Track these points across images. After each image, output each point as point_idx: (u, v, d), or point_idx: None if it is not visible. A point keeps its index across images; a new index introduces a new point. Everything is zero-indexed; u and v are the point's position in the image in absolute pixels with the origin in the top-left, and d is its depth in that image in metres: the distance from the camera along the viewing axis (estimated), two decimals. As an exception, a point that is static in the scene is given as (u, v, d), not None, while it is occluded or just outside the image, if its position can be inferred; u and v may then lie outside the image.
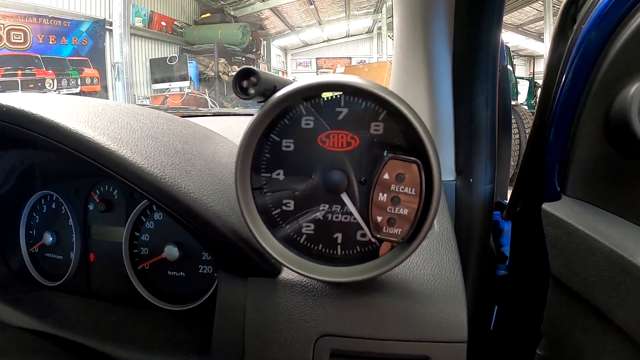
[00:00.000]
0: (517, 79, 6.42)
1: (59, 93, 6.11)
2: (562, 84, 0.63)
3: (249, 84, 0.33)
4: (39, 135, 0.41)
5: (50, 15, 6.09)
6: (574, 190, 0.53)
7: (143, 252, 0.67)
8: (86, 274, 0.72)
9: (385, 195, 0.35)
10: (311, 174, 0.37)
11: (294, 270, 0.38)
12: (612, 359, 0.43)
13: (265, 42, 13.20)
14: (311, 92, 0.35)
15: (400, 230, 0.35)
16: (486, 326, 0.69)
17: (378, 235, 0.36)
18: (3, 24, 5.52)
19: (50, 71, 6.13)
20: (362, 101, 0.35)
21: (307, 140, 0.36)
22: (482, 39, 0.60)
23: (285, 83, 0.35)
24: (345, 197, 0.36)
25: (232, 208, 0.42)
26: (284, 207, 0.38)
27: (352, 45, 16.99)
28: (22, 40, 5.79)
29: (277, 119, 0.36)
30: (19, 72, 5.71)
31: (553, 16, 9.41)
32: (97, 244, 0.71)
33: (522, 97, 7.13)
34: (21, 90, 5.64)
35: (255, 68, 0.33)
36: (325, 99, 0.35)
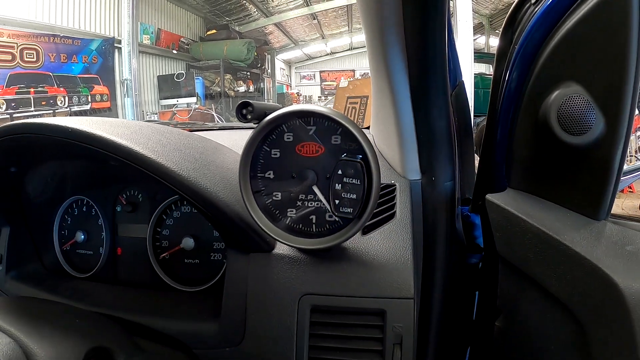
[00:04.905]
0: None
1: (70, 110, 6.27)
2: (504, 88, 0.62)
3: (247, 112, 0.49)
4: (99, 150, 0.55)
5: (61, 35, 6.26)
6: (518, 183, 0.60)
7: (164, 244, 0.80)
8: (114, 266, 0.83)
9: (340, 185, 0.51)
10: (292, 174, 0.54)
11: (281, 242, 0.54)
12: (553, 324, 0.53)
13: (269, 56, 13.33)
14: (291, 117, 0.52)
15: (352, 209, 0.51)
16: (469, 315, 0.77)
17: (337, 214, 0.52)
18: (16, 43, 5.65)
19: (61, 89, 6.28)
20: (325, 121, 0.52)
21: (288, 149, 0.54)
22: (430, 60, 0.62)
23: (274, 109, 0.51)
24: (315, 189, 0.54)
25: (238, 200, 0.57)
26: (274, 198, 0.55)
27: (356, 57, 17.18)
28: (34, 59, 5.92)
29: (267, 135, 0.53)
30: (32, 89, 5.85)
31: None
32: (124, 240, 0.84)
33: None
34: (33, 107, 5.81)
35: (250, 101, 0.49)
36: (301, 121, 0.52)
